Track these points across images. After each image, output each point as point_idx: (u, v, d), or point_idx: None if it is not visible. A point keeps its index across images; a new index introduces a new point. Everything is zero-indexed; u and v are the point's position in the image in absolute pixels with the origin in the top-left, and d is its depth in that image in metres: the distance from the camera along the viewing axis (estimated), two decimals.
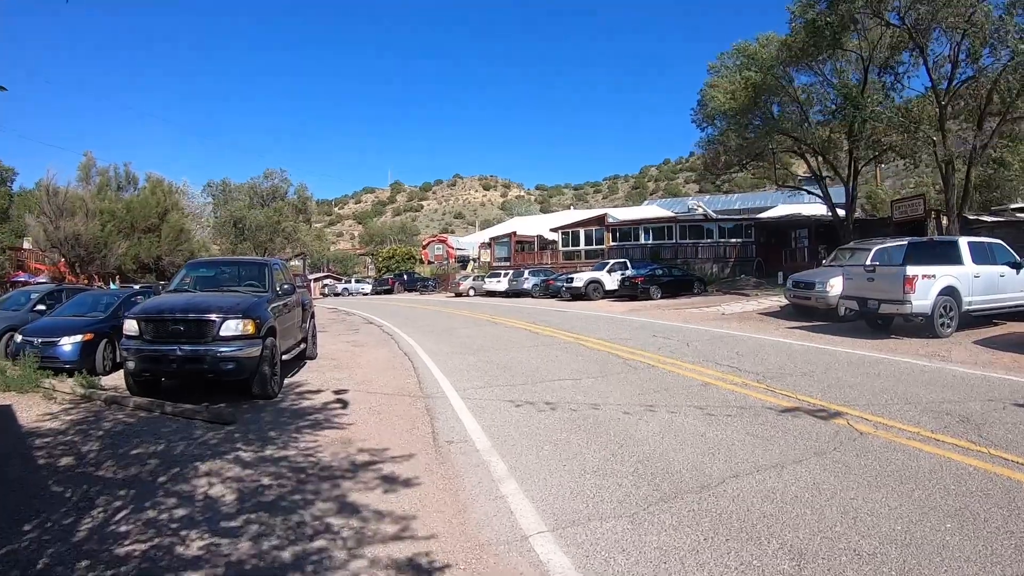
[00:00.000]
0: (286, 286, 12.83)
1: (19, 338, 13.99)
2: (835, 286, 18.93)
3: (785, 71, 34.23)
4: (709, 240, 50.14)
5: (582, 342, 17.36)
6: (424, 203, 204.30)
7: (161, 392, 11.26)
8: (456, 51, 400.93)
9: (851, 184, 37.15)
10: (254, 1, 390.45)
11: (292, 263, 75.18)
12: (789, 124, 36.39)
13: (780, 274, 37.24)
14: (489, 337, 19.56)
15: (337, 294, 67.07)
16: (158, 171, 51.82)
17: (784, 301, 24.65)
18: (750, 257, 48.90)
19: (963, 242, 16.61)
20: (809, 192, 44.65)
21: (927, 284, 15.34)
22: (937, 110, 28.10)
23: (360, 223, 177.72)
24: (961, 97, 29.19)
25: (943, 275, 15.59)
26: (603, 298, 37.58)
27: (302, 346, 14.47)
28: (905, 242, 18.21)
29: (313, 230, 76.61)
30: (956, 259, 16.05)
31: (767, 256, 47.81)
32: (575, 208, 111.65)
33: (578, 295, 37.84)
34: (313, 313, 16.48)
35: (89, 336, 13.70)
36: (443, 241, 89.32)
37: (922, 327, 15.97)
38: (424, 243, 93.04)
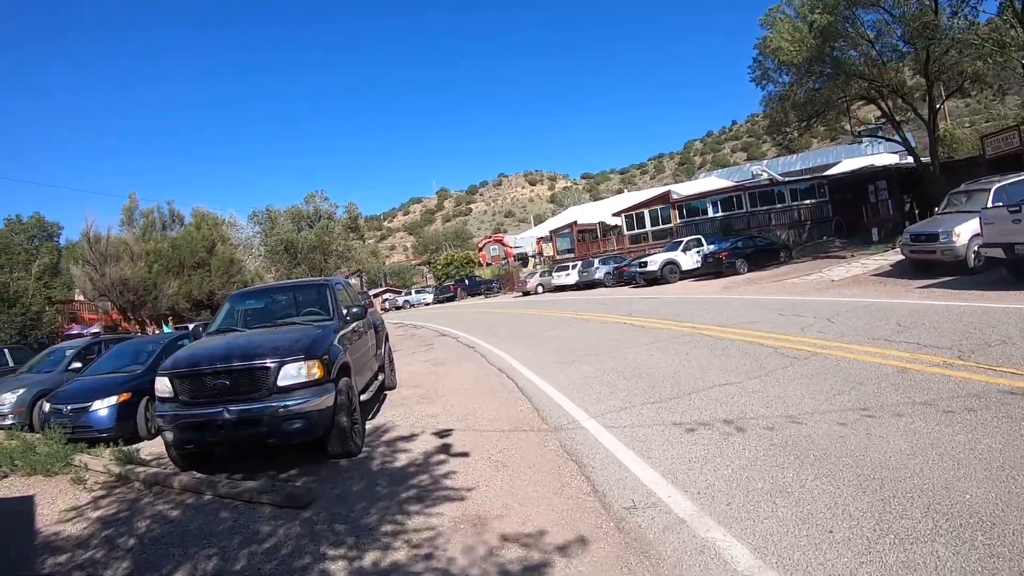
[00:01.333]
0: (354, 309, 10.08)
1: (47, 406, 11.64)
2: (961, 235, 16.61)
3: (851, 11, 30.69)
4: (781, 205, 46.50)
5: (702, 331, 14.59)
6: (472, 206, 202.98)
7: (214, 458, 8.84)
8: (480, 49, 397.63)
9: (931, 124, 33.56)
10: (276, 15, 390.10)
11: (352, 281, 73.48)
12: (863, 66, 32.63)
13: (875, 230, 34.42)
14: (588, 337, 16.91)
15: (399, 307, 64.74)
16: (203, 205, 50.21)
17: (891, 258, 22.87)
18: (827, 217, 45.42)
19: None
20: (887, 139, 41.26)
21: None
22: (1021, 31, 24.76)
23: (411, 233, 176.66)
24: None
25: None
26: (681, 279, 34.77)
27: (380, 377, 11.84)
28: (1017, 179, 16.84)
29: (367, 246, 74.70)
30: None
31: (845, 214, 44.08)
32: (628, 191, 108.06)
33: (653, 279, 35.08)
34: (387, 335, 13.85)
35: (125, 396, 11.24)
36: (499, 241, 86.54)
37: None
38: (479, 245, 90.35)
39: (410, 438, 9.08)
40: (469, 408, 10.46)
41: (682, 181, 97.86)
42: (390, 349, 13.81)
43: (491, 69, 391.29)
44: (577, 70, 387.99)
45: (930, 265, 18.03)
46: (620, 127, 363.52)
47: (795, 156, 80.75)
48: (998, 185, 17.36)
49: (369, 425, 10.05)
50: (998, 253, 14.41)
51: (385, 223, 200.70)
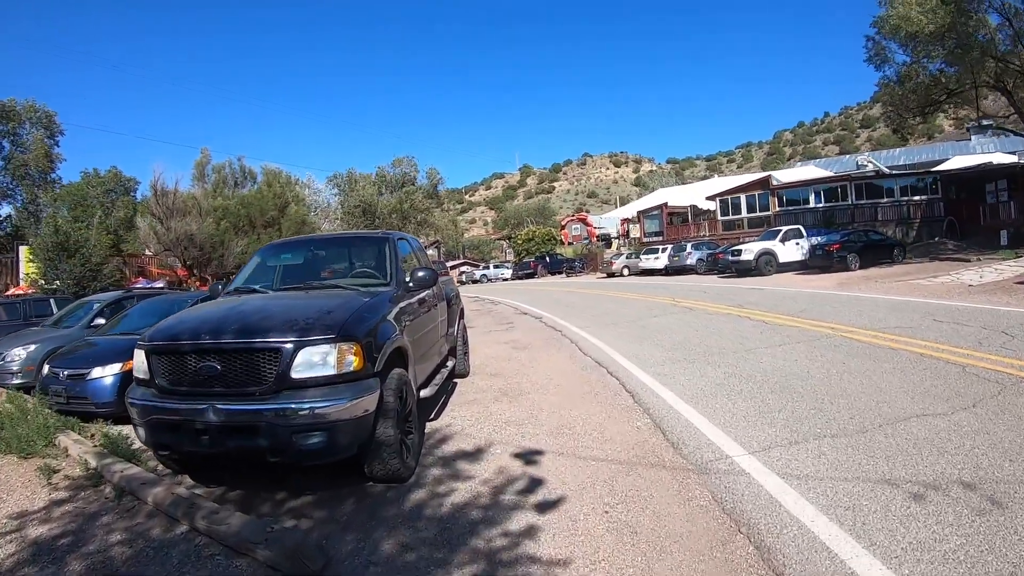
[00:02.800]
0: (421, 273, 7.15)
1: (46, 368, 9.35)
2: None
3: None
4: (888, 200, 42.56)
5: (846, 334, 11.65)
6: (555, 184, 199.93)
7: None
8: (575, 32, 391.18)
9: None
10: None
11: (428, 251, 71.24)
12: (1003, 43, 28.54)
13: (1003, 233, 30.53)
14: (700, 330, 13.98)
15: (476, 281, 62.12)
16: (276, 164, 48.64)
17: None
18: (938, 216, 41.27)
19: None
20: (1015, 133, 36.81)
21: None
22: None
23: (492, 208, 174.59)
24: None
25: None
26: (777, 271, 31.35)
27: (450, 363, 9.09)
28: None
29: (447, 215, 72.16)
30: None
31: (958, 214, 40.16)
32: (717, 177, 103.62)
33: (747, 269, 31.63)
34: (462, 309, 11.18)
35: (131, 364, 8.71)
36: (582, 220, 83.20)
37: None
38: (562, 223, 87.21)
39: (478, 456, 6.43)
40: (564, 417, 7.66)
41: (771, 171, 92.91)
42: (465, 328, 11.06)
43: (578, 49, 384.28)
44: (669, 56, 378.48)
45: None
46: (708, 113, 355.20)
47: (898, 150, 75.43)
48: None
49: (428, 427, 7.45)
50: None
51: (467, 196, 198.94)
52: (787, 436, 6.25)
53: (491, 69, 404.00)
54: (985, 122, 62.04)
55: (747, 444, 6.10)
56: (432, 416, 7.98)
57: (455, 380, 10.12)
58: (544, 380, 9.95)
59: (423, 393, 6.93)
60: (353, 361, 5.03)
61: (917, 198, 42.26)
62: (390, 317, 6.00)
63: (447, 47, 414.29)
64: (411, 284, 6.96)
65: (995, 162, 47.05)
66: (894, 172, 49.48)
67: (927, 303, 15.54)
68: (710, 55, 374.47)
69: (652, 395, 8.30)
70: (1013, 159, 50.31)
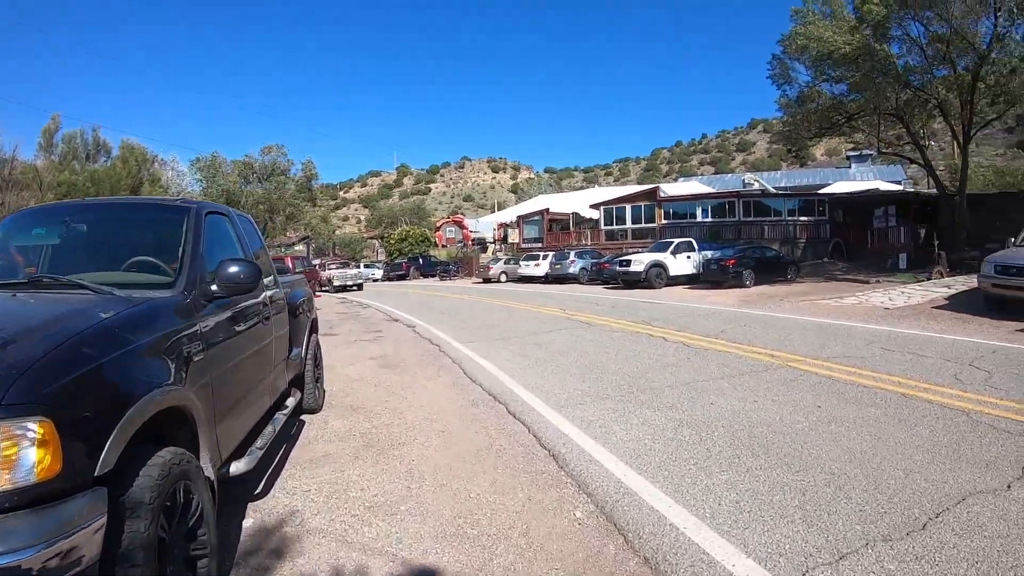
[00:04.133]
0: (232, 269, 4.25)
1: None
2: None
3: (908, 11, 26.78)
4: (775, 218, 42.87)
5: (792, 364, 9.90)
6: (432, 186, 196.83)
7: None
8: (459, 29, 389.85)
9: (964, 152, 31.08)
10: None
11: (296, 247, 67.29)
12: (916, 74, 29.03)
13: (901, 257, 30.28)
14: (610, 352, 11.80)
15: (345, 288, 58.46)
16: (135, 138, 43.94)
17: (935, 290, 20.58)
18: (823, 238, 41.82)
19: None
20: (911, 160, 37.50)
21: None
22: None
23: (366, 207, 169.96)
24: None
25: None
26: (667, 284, 30.08)
27: (290, 402, 6.27)
28: None
29: (319, 211, 68.10)
30: None
31: (845, 237, 40.90)
32: (597, 187, 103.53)
33: (635, 281, 30.12)
34: (315, 321, 8.42)
35: None
36: (458, 223, 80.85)
37: None
38: (437, 225, 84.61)
39: None
40: (460, 497, 5.12)
41: (646, 186, 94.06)
42: (318, 345, 8.28)
43: (463, 52, 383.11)
44: (551, 68, 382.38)
45: (1015, 303, 15.00)
46: (588, 126, 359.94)
47: (778, 173, 78.16)
48: None
49: (249, 516, 4.78)
50: None
51: (341, 193, 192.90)
52: (820, 543, 4.08)
53: (373, 61, 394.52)
54: (865, 151, 65.21)
55: (771, 563, 3.83)
56: (258, 491, 5.29)
57: (302, 417, 7.54)
58: (423, 421, 7.45)
59: (237, 467, 4.26)
60: (36, 459, 2.30)
61: (803, 219, 42.75)
62: (156, 350, 3.25)
63: (327, 34, 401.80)
64: (215, 287, 4.20)
65: (881, 188, 48.60)
66: (780, 192, 50.21)
67: (859, 327, 14.18)
68: (593, 71, 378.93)
69: (585, 459, 5.89)
70: (895, 187, 52.61)
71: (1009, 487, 4.85)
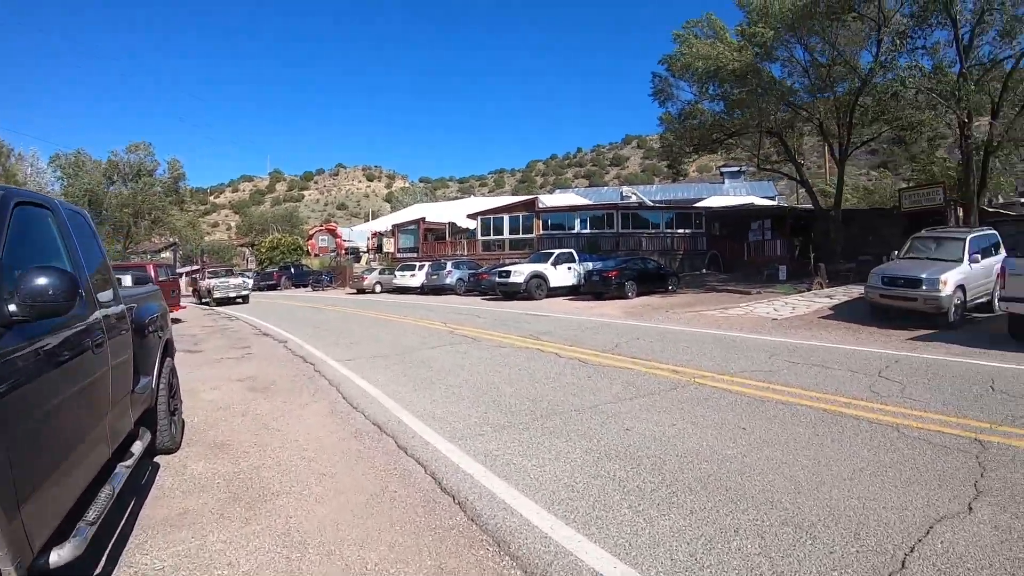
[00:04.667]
0: (40, 281, 3.05)
1: None
2: (948, 283, 15.16)
3: (793, 34, 28.13)
4: (654, 230, 43.28)
5: (701, 380, 9.45)
6: (305, 192, 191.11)
7: None
8: (336, 34, 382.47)
9: (841, 170, 32.51)
10: None
11: (163, 254, 63.50)
12: (799, 95, 31.00)
13: (782, 268, 31.17)
14: (502, 370, 10.97)
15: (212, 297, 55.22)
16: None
17: (818, 300, 21.06)
18: (700, 250, 42.74)
19: None
20: (788, 176, 39.27)
21: None
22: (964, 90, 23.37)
23: (237, 213, 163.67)
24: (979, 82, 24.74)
25: None
26: (547, 296, 29.61)
27: (138, 447, 4.96)
28: (986, 232, 17.70)
29: (187, 215, 64.41)
30: None
31: (721, 249, 41.98)
32: (473, 197, 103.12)
33: (514, 292, 29.47)
34: (170, 342, 7.20)
35: None
36: (331, 231, 78.31)
37: None
38: (310, 233, 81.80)
39: None
40: (358, 572, 4.12)
41: (522, 197, 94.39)
42: (174, 371, 6.98)
43: (338, 56, 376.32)
44: (426, 75, 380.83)
45: (901, 313, 16.13)
46: (464, 136, 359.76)
47: (653, 187, 79.69)
48: (973, 235, 17.17)
49: None
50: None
51: (211, 198, 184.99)
52: None
53: (246, 62, 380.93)
54: (739, 168, 67.55)
55: None
56: (98, 572, 4.12)
57: (156, 460, 6.31)
58: (300, 460, 6.34)
59: (59, 556, 3.12)
60: None
61: (681, 231, 43.42)
62: None
63: (203, 30, 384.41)
64: (13, 307, 3.09)
65: (756, 203, 50.27)
66: (658, 205, 50.91)
67: (755, 339, 14.07)
68: (471, 82, 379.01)
69: (498, 506, 4.99)
70: (768, 202, 54.96)
71: (971, 509, 4.69)
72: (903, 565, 3.88)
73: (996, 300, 16.17)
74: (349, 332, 17.85)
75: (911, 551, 4.06)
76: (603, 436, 6.73)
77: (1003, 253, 17.24)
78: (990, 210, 29.41)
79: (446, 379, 10.26)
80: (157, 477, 5.95)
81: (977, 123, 25.34)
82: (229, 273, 40.80)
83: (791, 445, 6.24)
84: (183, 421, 7.32)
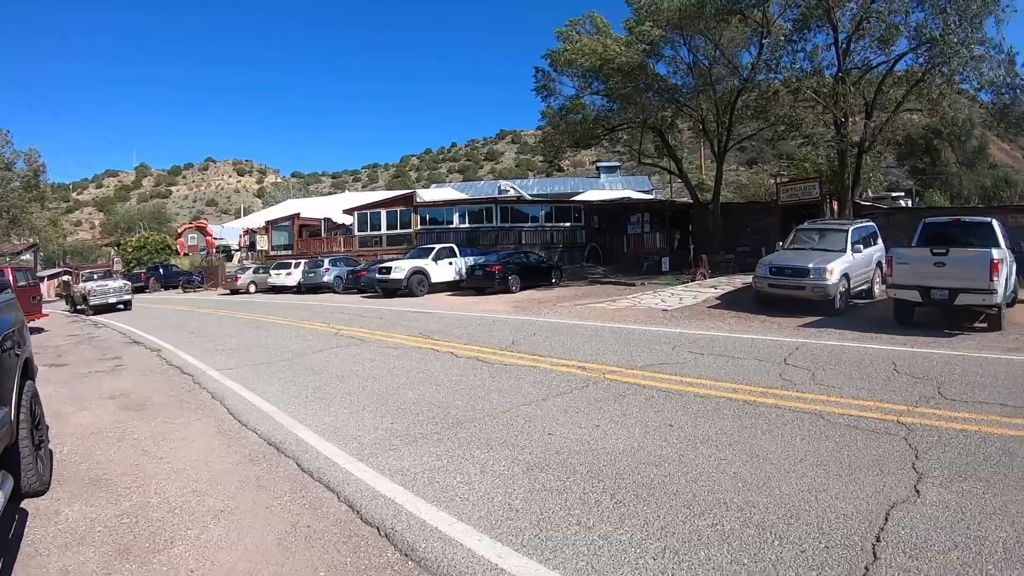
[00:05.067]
0: None
1: None
2: (834, 272, 15.71)
3: (679, 33, 29.07)
4: (532, 224, 43.05)
5: (609, 376, 9.20)
6: (173, 188, 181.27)
7: None
8: (206, 23, 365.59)
9: (720, 165, 34.19)
10: None
11: (23, 256, 58.61)
12: (683, 92, 31.73)
13: (665, 260, 31.94)
14: (399, 374, 10.28)
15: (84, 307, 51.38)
16: None
17: (704, 291, 21.55)
18: (579, 243, 42.86)
19: (997, 224, 14.30)
20: (667, 171, 40.56)
21: (1003, 270, 12.87)
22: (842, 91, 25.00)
23: (102, 210, 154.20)
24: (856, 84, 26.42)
25: (1008, 260, 13.50)
26: (429, 292, 28.93)
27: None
28: (865, 224, 19.24)
29: (48, 214, 59.87)
30: (993, 242, 13.60)
31: (600, 242, 42.26)
32: (347, 192, 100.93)
33: (394, 289, 28.69)
34: (29, 361, 6.24)
35: None
36: (202, 229, 74.88)
37: (939, 319, 13.89)
38: (179, 231, 77.87)
39: None
40: None
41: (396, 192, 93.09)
42: (36, 397, 5.89)
43: (205, 45, 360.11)
44: (298, 68, 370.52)
45: (788, 301, 16.55)
46: (335, 131, 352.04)
47: (531, 181, 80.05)
48: (855, 226, 18.31)
49: None
50: (912, 296, 13.38)
51: (74, 194, 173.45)
52: None
53: (101, 50, 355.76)
54: (613, 163, 68.91)
55: None
56: None
57: (23, 505, 5.31)
58: (192, 495, 5.48)
59: None
60: None
61: (560, 224, 43.32)
62: None
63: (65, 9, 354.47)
64: None
65: (633, 197, 50.92)
66: (537, 199, 51.06)
67: (652, 331, 14.02)
68: (343, 77, 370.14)
69: (432, 536, 4.40)
70: (645, 195, 55.81)
71: (918, 492, 4.79)
72: (875, 556, 3.84)
73: (876, 287, 18.31)
74: (227, 337, 16.65)
75: (877, 540, 4.04)
76: (526, 443, 6.30)
77: (880, 243, 18.83)
78: (863, 203, 30.63)
79: (341, 386, 9.51)
80: (26, 528, 4.94)
81: (852, 123, 26.41)
82: (108, 275, 36.12)
83: (724, 440, 6.05)
84: (51, 453, 6.31)
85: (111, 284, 31.49)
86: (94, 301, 29.74)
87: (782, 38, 25.53)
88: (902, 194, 50.67)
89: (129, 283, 33.52)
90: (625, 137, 36.41)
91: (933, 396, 7.53)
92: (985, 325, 13.13)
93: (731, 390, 8.00)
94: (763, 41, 26.37)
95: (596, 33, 30.67)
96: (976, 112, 43.09)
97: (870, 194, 39.56)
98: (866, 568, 3.71)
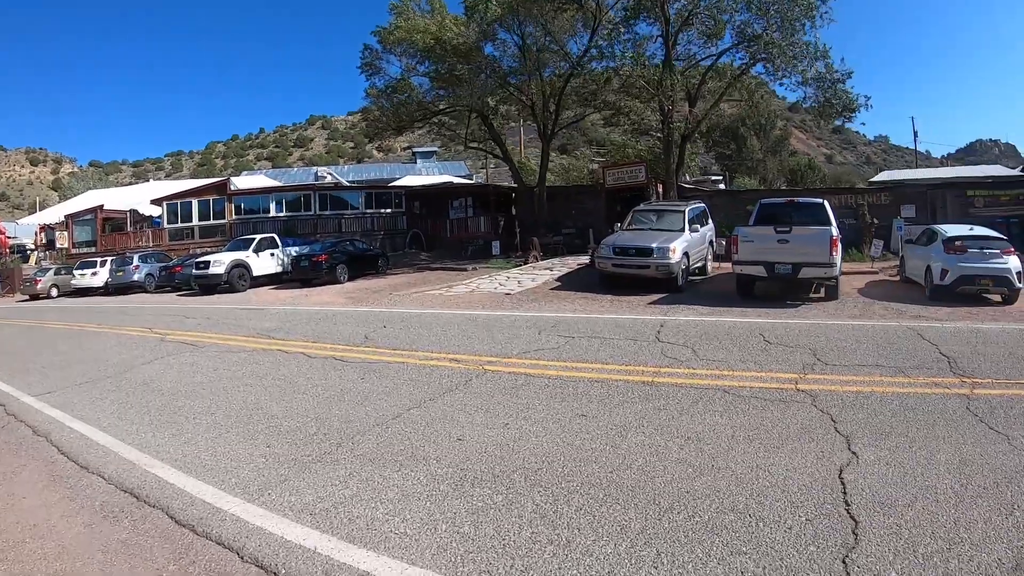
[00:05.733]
0: None
1: None
2: (677, 251, 16.21)
3: (516, 17, 28.77)
4: (353, 212, 41.77)
5: (506, 368, 8.69)
6: None
7: None
8: None
9: (545, 150, 34.50)
10: None
11: None
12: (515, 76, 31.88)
13: (495, 243, 31.70)
14: (253, 384, 9.06)
15: None
16: None
17: (539, 274, 21.64)
18: (401, 229, 41.96)
19: (828, 204, 15.50)
20: (492, 155, 41.30)
21: (840, 246, 14.23)
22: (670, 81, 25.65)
23: None
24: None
25: (839, 237, 14.43)
26: (251, 286, 27.20)
27: None
28: (697, 204, 20.09)
29: None
30: (825, 220, 14.74)
31: (423, 228, 41.70)
32: (153, 181, 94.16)
33: (214, 285, 26.67)
34: None
35: None
36: None
37: (777, 292, 14.96)
38: None
39: None
40: None
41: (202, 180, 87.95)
42: None
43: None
44: (96, 45, 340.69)
45: (632, 280, 16.86)
46: (137, 115, 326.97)
47: (346, 167, 78.22)
48: (691, 207, 18.97)
49: None
50: (758, 271, 14.34)
51: None
52: None
53: None
54: (430, 148, 68.60)
55: None
56: None
57: None
58: None
59: None
60: None
61: (382, 211, 42.26)
62: None
63: None
64: None
65: (455, 181, 50.48)
66: (356, 185, 49.81)
67: (506, 316, 13.75)
68: (143, 58, 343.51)
69: None
70: (463, 180, 55.29)
71: (855, 454, 5.03)
72: (854, 519, 3.98)
73: (709, 264, 19.63)
74: (37, 352, 14.23)
75: (848, 504, 4.19)
76: (438, 453, 5.62)
77: (711, 223, 20.14)
78: (686, 186, 31.74)
79: (190, 404, 8.07)
80: None
81: (677, 111, 27.11)
82: None
83: (650, 426, 5.85)
84: None
85: None
86: None
87: (611, 27, 25.90)
88: (720, 178, 53.93)
89: None
90: (451, 121, 35.92)
91: (815, 363, 7.87)
92: (821, 295, 14.33)
93: (624, 372, 7.82)
94: (594, 29, 26.95)
95: (430, 12, 30.13)
96: (777, 104, 46.67)
97: (688, 178, 41.21)
98: (854, 532, 3.82)
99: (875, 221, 22.02)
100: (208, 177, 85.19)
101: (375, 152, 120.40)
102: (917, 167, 56.00)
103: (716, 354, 8.59)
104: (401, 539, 4.14)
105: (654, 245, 16.35)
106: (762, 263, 14.26)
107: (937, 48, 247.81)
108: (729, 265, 16.05)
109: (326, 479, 5.27)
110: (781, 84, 25.29)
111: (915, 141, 63.50)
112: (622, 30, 25.46)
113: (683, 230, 17.37)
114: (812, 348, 8.76)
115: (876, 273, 18.14)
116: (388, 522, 4.40)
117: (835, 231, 14.07)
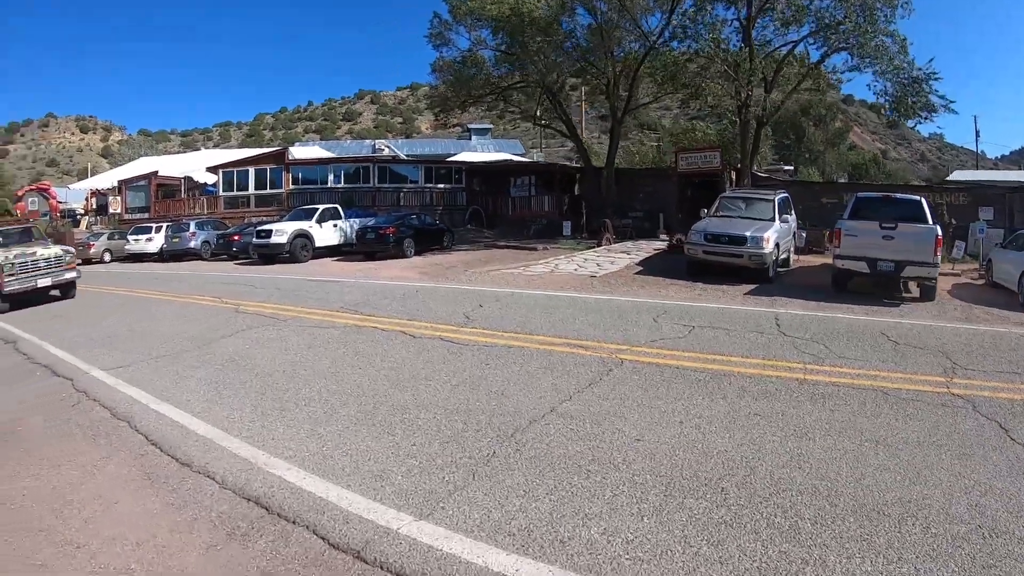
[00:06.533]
0: None
1: None
2: (770, 241, 15.68)
3: None
4: (412, 185, 41.19)
5: (630, 357, 8.08)
6: (11, 147, 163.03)
7: None
8: None
9: (617, 129, 33.14)
10: None
11: None
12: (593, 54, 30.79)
13: (566, 224, 31.03)
14: (361, 366, 8.20)
15: None
16: None
17: (616, 257, 20.87)
18: (460, 205, 41.28)
19: (925, 202, 14.72)
20: (560, 134, 39.72)
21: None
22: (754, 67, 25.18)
23: None
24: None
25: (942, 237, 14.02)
26: (313, 257, 26.59)
27: None
28: (783, 194, 19.00)
29: None
30: (923, 218, 14.07)
31: (483, 204, 40.92)
32: (204, 150, 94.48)
33: (274, 255, 26.01)
34: None
35: None
36: (44, 191, 67.92)
37: (878, 290, 14.35)
38: (18, 195, 70.34)
39: None
40: None
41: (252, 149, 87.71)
42: None
43: None
44: (143, 18, 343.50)
45: (722, 268, 16.29)
46: (187, 87, 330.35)
47: (400, 141, 77.68)
48: (778, 196, 18.14)
49: None
50: (860, 267, 14.01)
51: None
52: None
53: None
54: (485, 125, 68.02)
55: None
56: None
57: None
58: None
59: None
60: None
61: (440, 186, 41.62)
62: None
63: None
64: None
65: (514, 159, 49.77)
66: (415, 159, 49.29)
67: (607, 300, 13.08)
68: (195, 29, 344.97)
69: None
70: (520, 158, 54.35)
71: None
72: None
73: (791, 256, 19.06)
74: (98, 319, 13.58)
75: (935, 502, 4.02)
76: (624, 458, 4.99)
77: (793, 214, 19.60)
78: (760, 175, 31.03)
79: (294, 388, 7.25)
80: None
81: (754, 98, 26.57)
82: (27, 238, 19.75)
83: (832, 429, 5.60)
84: None
85: (34, 253, 17.66)
86: (11, 287, 16.61)
87: (697, 6, 25.22)
88: (791, 168, 52.82)
89: (63, 253, 19.03)
90: (520, 96, 35.01)
91: (954, 367, 7.56)
92: (913, 295, 14.12)
93: (769, 367, 7.52)
94: (673, 9, 26.48)
95: None
96: (832, 96, 45.51)
97: (758, 165, 40.42)
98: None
99: (953, 222, 21.02)
100: (257, 148, 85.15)
101: (423, 128, 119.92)
102: (978, 168, 54.66)
103: (849, 351, 8.22)
104: (641, 567, 3.50)
105: (748, 234, 15.91)
106: (865, 259, 13.97)
107: (996, 47, 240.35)
108: (809, 258, 16.24)
109: (506, 489, 4.55)
110: (862, 73, 24.53)
111: (976, 142, 62.00)
112: (709, 8, 24.82)
113: (773, 219, 16.89)
114: (942, 351, 8.35)
115: (958, 276, 17.49)
116: (611, 544, 3.75)
117: (939, 230, 13.70)
